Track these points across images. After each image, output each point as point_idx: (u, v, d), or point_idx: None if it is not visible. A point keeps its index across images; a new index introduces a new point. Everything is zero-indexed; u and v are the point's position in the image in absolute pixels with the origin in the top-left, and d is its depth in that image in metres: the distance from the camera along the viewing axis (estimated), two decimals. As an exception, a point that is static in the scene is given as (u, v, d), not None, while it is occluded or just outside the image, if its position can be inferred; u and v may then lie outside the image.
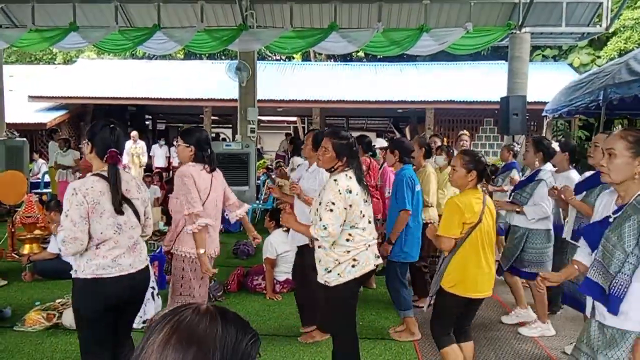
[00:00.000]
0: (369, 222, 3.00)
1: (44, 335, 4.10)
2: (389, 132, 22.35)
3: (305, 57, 23.09)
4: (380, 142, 5.73)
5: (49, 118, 14.72)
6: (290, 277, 5.26)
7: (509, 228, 4.69)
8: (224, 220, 8.26)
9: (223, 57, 21.51)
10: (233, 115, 14.09)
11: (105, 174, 2.58)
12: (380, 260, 3.12)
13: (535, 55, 18.93)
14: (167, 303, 3.53)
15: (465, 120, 16.00)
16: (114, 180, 2.56)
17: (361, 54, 20.26)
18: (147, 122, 20.40)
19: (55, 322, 4.27)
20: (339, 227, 2.81)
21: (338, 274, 2.89)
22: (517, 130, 7.88)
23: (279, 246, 5.16)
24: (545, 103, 7.84)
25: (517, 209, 4.27)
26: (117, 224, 2.57)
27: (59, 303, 4.57)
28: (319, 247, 2.97)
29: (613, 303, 2.09)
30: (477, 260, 2.93)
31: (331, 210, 2.78)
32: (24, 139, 11.21)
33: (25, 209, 6.80)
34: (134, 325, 4.17)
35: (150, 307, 4.40)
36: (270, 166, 14.37)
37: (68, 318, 4.23)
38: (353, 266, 2.90)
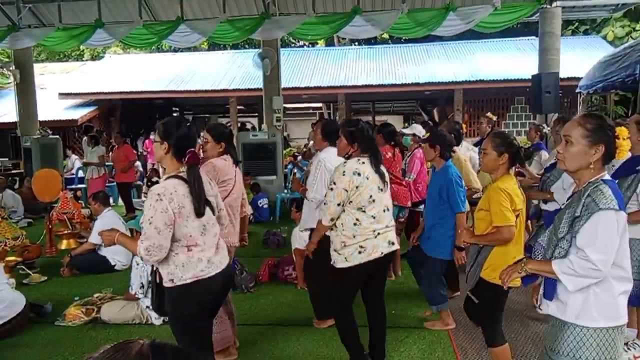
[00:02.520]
0: (384, 210, 3.08)
1: (84, 330, 4.21)
2: (417, 115, 22.03)
3: (329, 43, 22.86)
4: (417, 129, 5.42)
5: (79, 114, 15.05)
6: (321, 267, 5.27)
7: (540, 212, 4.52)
8: (255, 210, 8.38)
9: (247, 46, 21.52)
10: (259, 104, 14.11)
11: (184, 175, 2.47)
12: (395, 247, 3.15)
13: (566, 30, 18.25)
14: None
15: (495, 100, 15.63)
16: (197, 182, 2.46)
17: (386, 36, 19.92)
18: (174, 114, 20.65)
19: (94, 316, 4.38)
20: (336, 205, 2.98)
21: (345, 258, 3.02)
22: (550, 109, 7.62)
23: (308, 236, 5.14)
24: (578, 79, 7.58)
25: (548, 196, 4.08)
26: (202, 225, 2.51)
27: (97, 298, 4.70)
28: (330, 229, 3.14)
29: (547, 287, 2.08)
30: (518, 249, 2.84)
31: (331, 189, 3.00)
32: (57, 136, 11.51)
33: (61, 206, 7.00)
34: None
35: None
36: (297, 153, 14.38)
37: (106, 312, 4.35)
38: (360, 252, 3.01)
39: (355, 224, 3.00)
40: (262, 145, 9.54)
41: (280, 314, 4.50)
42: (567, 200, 2.13)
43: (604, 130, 1.97)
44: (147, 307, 4.31)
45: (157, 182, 8.62)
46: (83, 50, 23.62)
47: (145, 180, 10.76)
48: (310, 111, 23.07)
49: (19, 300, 4.23)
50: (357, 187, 2.95)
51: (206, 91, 15.60)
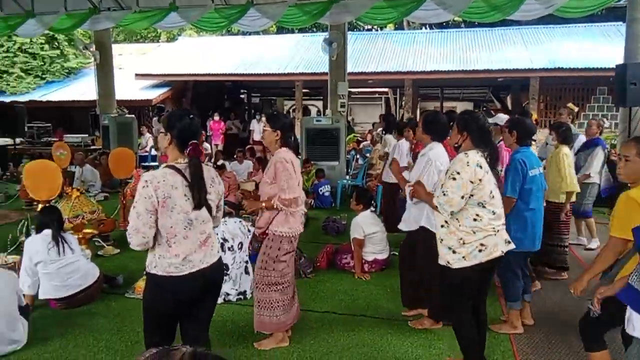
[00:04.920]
0: (501, 206, 2.94)
1: (150, 303, 4.43)
2: (488, 102, 21.18)
3: (398, 26, 22.36)
4: (500, 119, 5.24)
5: (154, 95, 15.73)
6: (379, 257, 5.23)
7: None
8: (316, 196, 8.43)
9: (314, 30, 21.50)
10: (324, 87, 14.10)
11: (180, 166, 2.46)
12: (512, 246, 2.97)
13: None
14: (255, 277, 3.63)
15: (575, 89, 14.69)
16: (197, 174, 2.45)
17: (458, 19, 19.18)
18: (242, 96, 21.11)
19: (161, 290, 4.59)
20: (459, 197, 2.79)
21: (463, 257, 2.83)
22: (635, 101, 7.04)
23: (367, 227, 5.11)
24: (671, 70, 6.92)
25: None
26: (188, 219, 2.45)
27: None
28: (442, 226, 2.95)
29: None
30: None
31: (454, 179, 2.79)
32: (133, 115, 12.10)
33: (134, 182, 7.37)
34: (231, 298, 4.45)
35: (245, 280, 4.58)
36: (360, 139, 14.30)
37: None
38: (480, 250, 2.82)
39: (475, 220, 2.82)
40: (326, 131, 9.54)
41: (337, 302, 4.51)
42: None
43: None
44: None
45: (223, 165, 8.86)
46: (160, 33, 24.57)
47: (212, 161, 11.09)
48: (376, 96, 22.78)
49: (94, 271, 4.51)
50: (480, 180, 2.80)
51: (273, 74, 15.80)
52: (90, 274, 4.45)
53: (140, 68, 16.60)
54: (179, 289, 2.48)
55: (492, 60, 14.84)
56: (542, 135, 10.46)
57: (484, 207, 2.83)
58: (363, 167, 9.49)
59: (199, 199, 2.45)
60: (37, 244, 4.25)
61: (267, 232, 3.47)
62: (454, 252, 2.85)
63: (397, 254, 5.67)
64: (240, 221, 4.86)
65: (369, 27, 22.89)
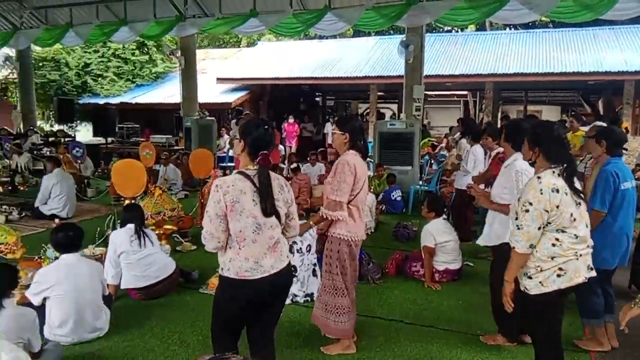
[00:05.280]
0: (586, 226, 2.65)
1: (223, 300, 4.57)
2: (577, 106, 19.89)
3: (480, 27, 21.58)
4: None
5: (233, 98, 16.33)
6: (450, 267, 5.05)
7: None
8: (387, 201, 8.33)
9: (391, 32, 21.29)
10: (399, 91, 13.93)
11: (250, 172, 2.56)
12: (593, 273, 2.70)
13: None
14: (322, 280, 3.65)
15: (676, 93, 13.42)
16: (266, 183, 2.53)
17: (545, 18, 18.17)
18: (317, 99, 21.35)
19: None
20: (536, 229, 2.56)
21: (540, 282, 2.62)
22: None
23: (439, 235, 4.95)
24: None
25: None
26: (257, 224, 2.53)
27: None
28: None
29: None
30: None
31: (527, 211, 2.56)
32: (213, 117, 12.62)
33: (212, 182, 7.67)
34: (298, 300, 4.49)
35: (313, 282, 4.61)
36: (436, 143, 13.94)
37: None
38: (559, 275, 2.60)
39: (554, 245, 2.60)
40: (399, 135, 9.38)
41: (405, 310, 4.40)
42: None
43: None
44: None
45: (297, 167, 8.95)
46: (241, 38, 25.47)
47: (286, 163, 11.29)
48: (455, 99, 22.11)
49: (171, 265, 4.74)
50: (557, 207, 2.54)
51: (347, 78, 15.82)
52: (168, 267, 4.69)
53: (222, 72, 17.30)
54: (250, 292, 2.55)
55: (582, 62, 13.91)
56: (637, 143, 9.64)
57: (564, 232, 2.59)
58: (437, 172, 9.23)
59: (266, 207, 2.53)
60: (121, 236, 4.54)
61: (326, 234, 3.49)
62: (530, 277, 2.65)
63: (470, 264, 5.48)
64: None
65: (449, 28, 22.29)
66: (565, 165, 2.61)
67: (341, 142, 3.44)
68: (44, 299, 3.66)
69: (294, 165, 8.87)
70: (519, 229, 2.59)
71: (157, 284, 4.54)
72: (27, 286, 4.21)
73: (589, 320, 3.67)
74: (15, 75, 16.15)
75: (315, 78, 16.32)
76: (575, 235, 2.59)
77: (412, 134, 9.30)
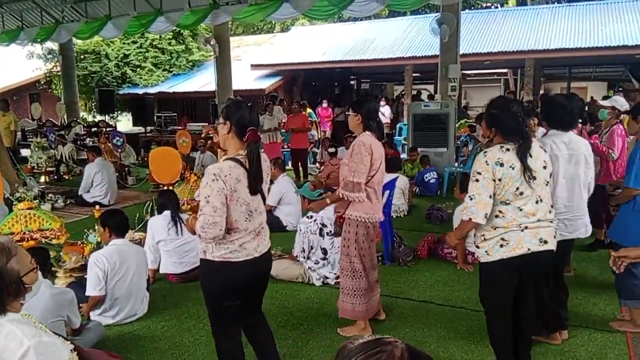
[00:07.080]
0: (537, 202, 2.68)
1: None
2: (625, 82, 18.95)
3: (521, 2, 20.80)
4: (619, 102, 4.74)
5: (267, 84, 16.41)
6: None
7: None
8: (421, 183, 8.24)
9: (427, 11, 20.81)
10: (435, 71, 13.64)
11: (241, 158, 2.54)
12: (548, 247, 2.70)
13: None
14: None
15: None
16: (256, 160, 2.53)
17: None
18: (352, 83, 21.19)
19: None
20: (487, 197, 2.63)
21: (486, 251, 2.74)
22: None
23: (472, 216, 4.88)
24: None
25: None
26: (249, 211, 2.55)
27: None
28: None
29: None
30: None
31: (477, 181, 2.67)
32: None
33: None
34: (329, 282, 4.54)
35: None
36: (473, 124, 13.62)
37: (274, 269, 4.69)
38: (501, 245, 2.69)
39: (497, 216, 2.69)
40: (434, 116, 9.22)
41: (436, 292, 4.39)
42: None
43: None
44: (309, 268, 4.63)
45: (335, 151, 8.91)
46: (274, 24, 25.49)
47: (321, 147, 11.31)
48: (494, 77, 21.47)
49: (206, 249, 4.88)
50: (499, 180, 2.62)
51: (381, 59, 15.59)
52: (203, 252, 4.82)
53: (256, 59, 17.40)
54: (234, 275, 2.56)
55: (629, 34, 13.21)
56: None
57: (508, 204, 2.66)
58: (473, 152, 9.05)
59: (256, 184, 2.55)
60: (159, 223, 4.69)
61: (344, 216, 3.50)
62: (477, 246, 2.81)
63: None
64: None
65: (487, 4, 21.59)
66: (521, 141, 2.64)
67: (355, 124, 3.47)
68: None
69: (332, 149, 8.81)
70: (471, 199, 2.67)
71: (194, 270, 4.65)
72: (72, 269, 4.46)
73: (626, 301, 3.63)
74: (58, 68, 16.77)
75: (349, 61, 16.15)
76: (519, 208, 2.65)
77: (447, 115, 9.13)
